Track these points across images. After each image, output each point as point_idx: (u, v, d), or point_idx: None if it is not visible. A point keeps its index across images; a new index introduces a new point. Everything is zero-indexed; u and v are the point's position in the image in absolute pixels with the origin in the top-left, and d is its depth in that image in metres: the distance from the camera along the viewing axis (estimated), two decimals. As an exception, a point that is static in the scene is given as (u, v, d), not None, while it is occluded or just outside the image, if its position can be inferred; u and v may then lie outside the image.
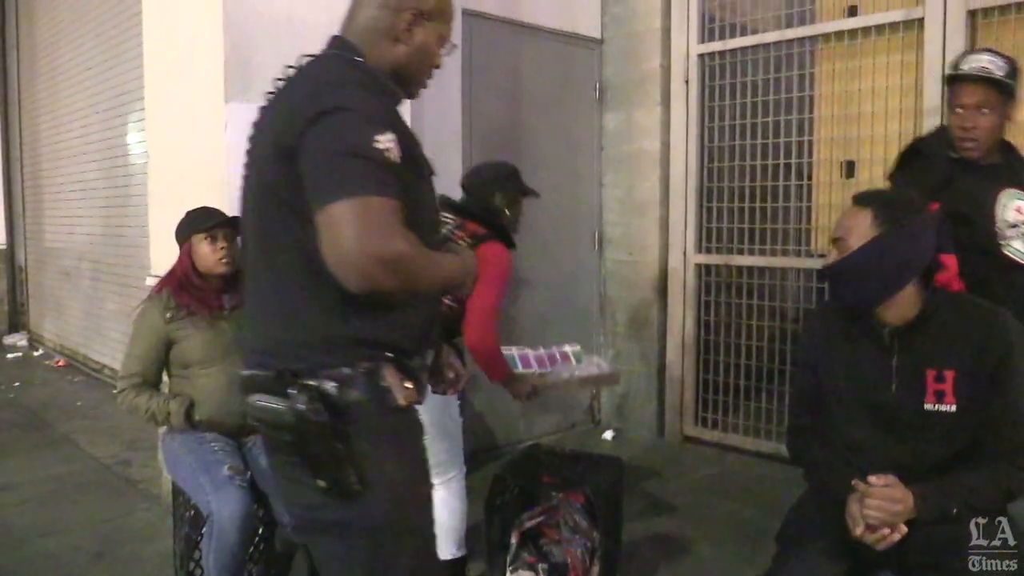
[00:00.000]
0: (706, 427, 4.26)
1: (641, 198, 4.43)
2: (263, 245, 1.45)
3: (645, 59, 4.37)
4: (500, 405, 4.20)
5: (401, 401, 1.41)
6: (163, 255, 2.62)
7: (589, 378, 2.86)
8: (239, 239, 1.79)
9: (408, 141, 1.40)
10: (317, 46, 1.56)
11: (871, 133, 3.59)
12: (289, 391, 1.36)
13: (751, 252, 4.02)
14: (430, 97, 3.69)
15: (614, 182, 4.57)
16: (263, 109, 1.51)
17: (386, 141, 1.31)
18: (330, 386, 1.36)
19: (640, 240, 4.45)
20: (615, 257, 4.58)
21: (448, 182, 3.80)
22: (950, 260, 1.76)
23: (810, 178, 3.85)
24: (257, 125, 1.51)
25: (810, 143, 3.84)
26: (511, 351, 2.68)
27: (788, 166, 3.86)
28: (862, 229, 1.72)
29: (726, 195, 4.11)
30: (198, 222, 2.53)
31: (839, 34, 3.68)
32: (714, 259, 4.17)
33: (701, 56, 4.15)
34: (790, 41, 3.84)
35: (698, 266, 4.23)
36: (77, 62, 6.42)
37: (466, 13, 3.91)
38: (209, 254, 2.50)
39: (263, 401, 1.40)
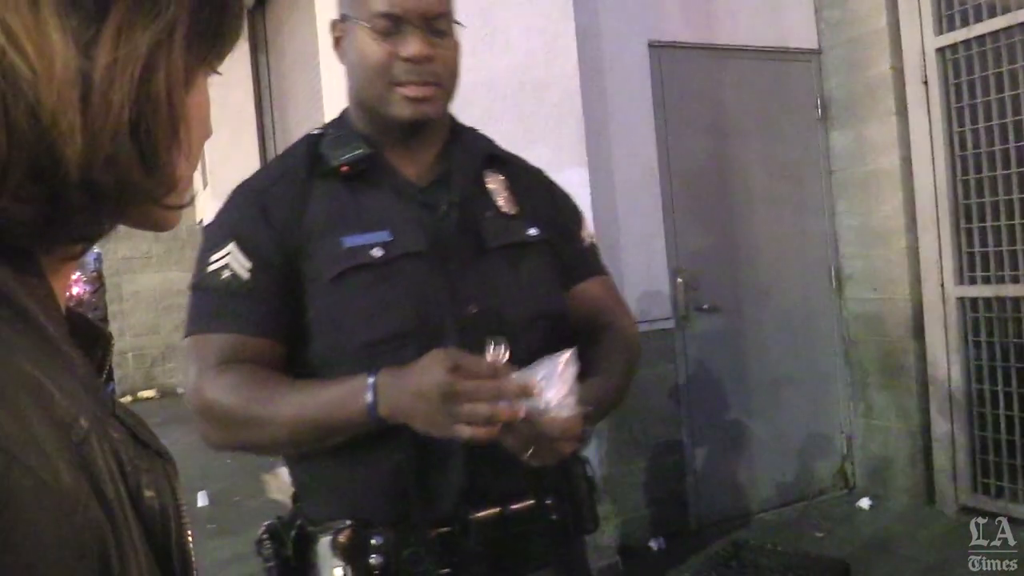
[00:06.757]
0: (988, 495, 3.47)
1: (882, 225, 3.78)
2: None
3: (872, 64, 3.75)
4: (726, 468, 3.74)
5: None
6: None
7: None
8: None
9: (290, 239, 1.08)
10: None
11: None
12: None
13: (1028, 279, 3.24)
14: (617, 134, 3.42)
15: (848, 209, 3.95)
16: None
17: (220, 259, 1.05)
18: None
19: (885, 274, 3.78)
20: (857, 295, 3.94)
21: (645, 224, 3.49)
22: None
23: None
24: None
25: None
26: None
27: (1068, 169, 3.08)
28: None
29: (989, 212, 3.36)
30: None
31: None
32: (981, 291, 3.41)
33: (940, 50, 3.46)
34: (1054, 16, 3.08)
35: (960, 300, 3.48)
36: None
37: (653, 46, 3.59)
38: None
39: None
